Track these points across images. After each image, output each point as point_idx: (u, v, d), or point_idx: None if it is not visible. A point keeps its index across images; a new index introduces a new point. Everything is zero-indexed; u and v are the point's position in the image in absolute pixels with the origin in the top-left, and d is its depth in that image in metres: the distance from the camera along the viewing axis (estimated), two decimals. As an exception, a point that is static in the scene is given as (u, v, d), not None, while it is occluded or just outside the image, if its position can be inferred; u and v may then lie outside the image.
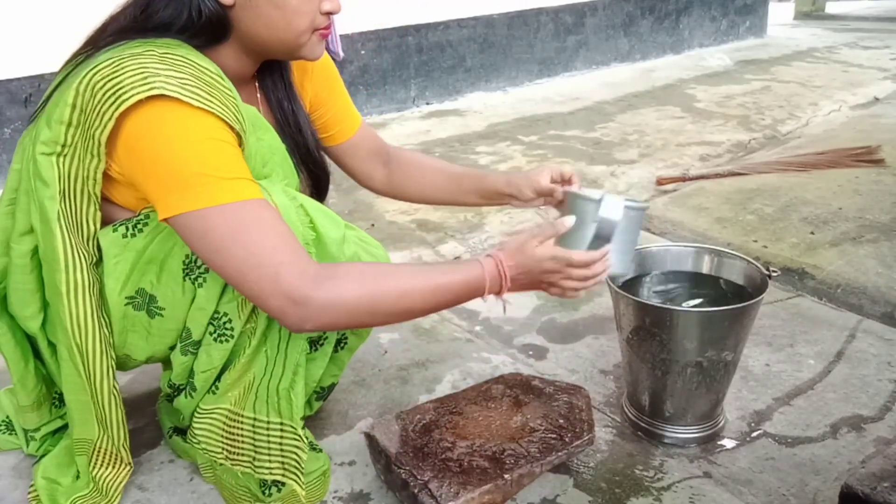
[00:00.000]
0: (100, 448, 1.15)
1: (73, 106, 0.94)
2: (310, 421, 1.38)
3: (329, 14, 1.06)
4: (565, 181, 1.28)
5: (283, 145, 1.15)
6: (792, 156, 2.89)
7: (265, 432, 1.11)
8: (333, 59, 1.33)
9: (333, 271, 0.97)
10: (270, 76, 1.18)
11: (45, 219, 1.00)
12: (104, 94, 0.91)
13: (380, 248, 1.27)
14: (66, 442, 1.24)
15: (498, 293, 1.07)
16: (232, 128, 0.96)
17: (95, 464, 1.16)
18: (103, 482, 1.17)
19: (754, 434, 1.36)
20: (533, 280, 1.09)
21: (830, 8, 7.52)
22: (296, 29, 1.03)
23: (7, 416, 1.33)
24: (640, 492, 1.21)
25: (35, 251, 1.07)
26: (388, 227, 2.37)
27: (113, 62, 0.92)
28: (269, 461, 1.11)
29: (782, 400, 1.45)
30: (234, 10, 1.01)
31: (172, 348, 1.14)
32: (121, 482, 1.19)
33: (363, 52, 3.72)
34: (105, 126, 0.92)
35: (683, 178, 2.74)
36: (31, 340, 1.19)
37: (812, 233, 2.19)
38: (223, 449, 1.13)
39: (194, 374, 1.13)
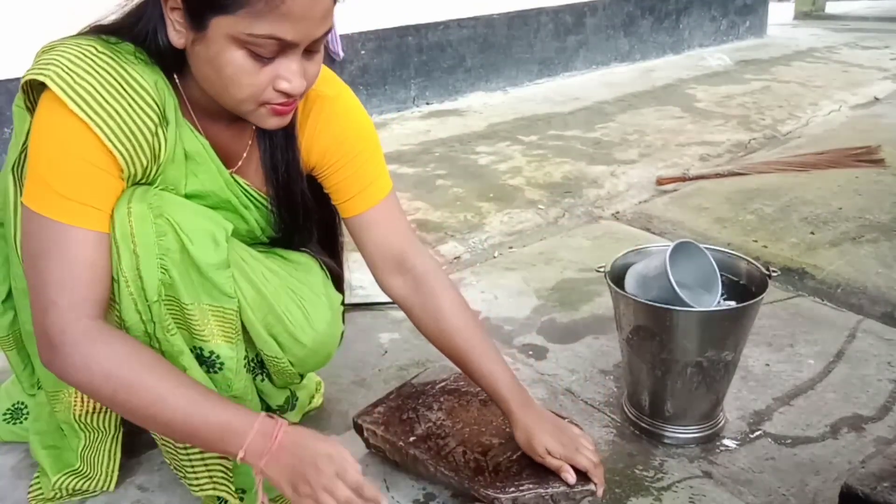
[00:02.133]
0: (74, 391, 1.15)
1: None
2: (310, 421, 1.39)
3: (286, 94, 0.93)
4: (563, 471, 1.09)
5: (228, 192, 1.08)
6: (792, 156, 2.89)
7: (184, 449, 1.08)
8: (333, 58, 1.30)
9: (105, 338, 0.92)
10: None
11: (5, 168, 1.04)
12: (32, 64, 0.94)
13: (320, 302, 1.17)
14: (46, 408, 1.23)
15: (258, 458, 0.92)
16: (108, 148, 0.91)
17: (78, 409, 1.16)
18: (93, 427, 1.18)
19: (754, 434, 1.36)
20: (295, 467, 0.92)
21: (830, 8, 7.52)
22: (233, 96, 0.93)
23: (12, 406, 1.33)
24: (640, 492, 1.21)
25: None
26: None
27: (56, 42, 0.94)
28: (197, 477, 1.09)
29: (782, 400, 1.45)
30: (186, 53, 0.95)
31: None
32: (111, 418, 1.19)
33: (363, 52, 3.72)
34: (21, 96, 0.96)
35: (683, 178, 2.74)
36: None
37: (812, 233, 2.19)
38: (171, 460, 1.12)
39: None
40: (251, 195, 1.12)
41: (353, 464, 0.94)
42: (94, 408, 1.18)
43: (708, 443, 1.33)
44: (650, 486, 1.23)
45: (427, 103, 4.03)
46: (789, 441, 1.33)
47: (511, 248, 2.25)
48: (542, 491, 1.09)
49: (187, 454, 1.08)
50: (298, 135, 1.11)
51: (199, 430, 0.93)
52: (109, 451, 1.22)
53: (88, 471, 1.21)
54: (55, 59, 0.91)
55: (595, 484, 1.09)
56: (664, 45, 5.22)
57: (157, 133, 0.96)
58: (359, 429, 1.26)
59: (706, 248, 1.38)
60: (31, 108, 0.98)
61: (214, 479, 1.10)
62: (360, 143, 1.15)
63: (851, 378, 1.52)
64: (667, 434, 1.33)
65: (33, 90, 0.96)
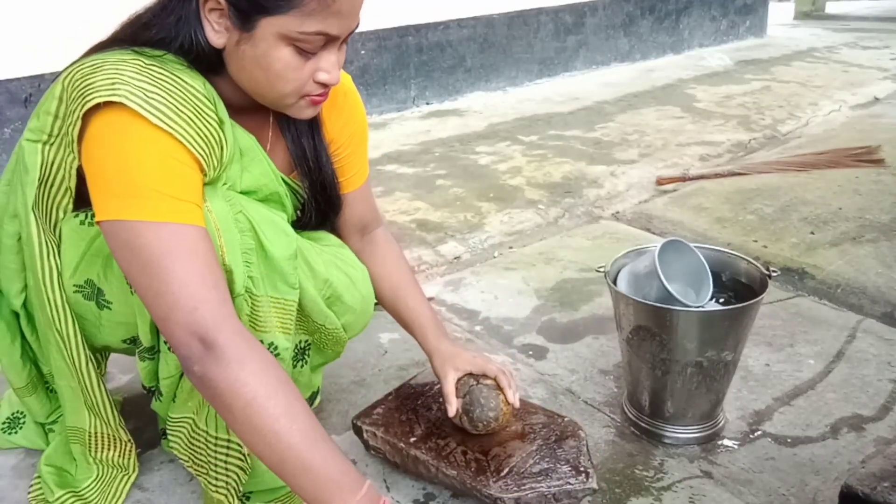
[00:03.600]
0: (94, 433, 1.16)
1: (59, 99, 0.96)
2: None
3: (325, 84, 0.99)
4: (482, 376, 1.20)
5: (277, 183, 1.12)
6: (792, 156, 2.89)
7: (214, 448, 1.09)
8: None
9: (252, 339, 0.92)
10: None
11: (25, 203, 1.03)
12: (77, 92, 0.91)
13: (359, 268, 1.24)
14: (62, 435, 1.25)
15: None
16: (193, 153, 0.93)
17: (93, 448, 1.17)
18: (108, 463, 1.19)
19: (754, 434, 1.36)
20: None
21: (830, 8, 7.52)
22: (279, 91, 0.98)
23: (11, 415, 1.34)
24: (640, 492, 1.21)
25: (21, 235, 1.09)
26: (388, 228, 2.37)
27: (95, 64, 0.92)
28: (217, 479, 1.09)
29: (782, 400, 1.45)
30: (225, 52, 0.97)
31: (128, 343, 1.14)
32: (129, 458, 1.21)
33: (363, 52, 3.72)
34: (75, 124, 0.93)
35: (683, 178, 2.74)
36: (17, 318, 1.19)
37: (812, 233, 2.19)
38: (189, 457, 1.13)
39: (159, 379, 1.13)
40: (287, 183, 1.15)
41: None
42: (112, 446, 1.19)
43: (708, 443, 1.33)
44: (650, 486, 1.23)
45: (427, 103, 4.03)
46: (789, 441, 1.33)
47: (511, 248, 2.25)
48: (544, 490, 1.09)
49: (216, 452, 1.09)
50: (322, 122, 1.16)
51: (316, 470, 0.88)
52: (119, 485, 1.22)
53: (93, 497, 1.20)
54: (117, 79, 0.90)
55: (512, 398, 1.17)
56: (664, 45, 5.22)
57: (221, 133, 0.98)
58: (358, 430, 1.26)
59: (697, 246, 1.38)
60: (48, 138, 0.99)
61: (228, 485, 1.10)
62: (361, 132, 1.25)
63: (851, 378, 1.52)
64: (667, 434, 1.33)
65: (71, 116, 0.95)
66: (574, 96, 4.12)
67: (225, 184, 1.04)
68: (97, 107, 0.89)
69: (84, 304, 1.09)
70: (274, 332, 1.07)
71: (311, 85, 0.98)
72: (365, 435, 1.24)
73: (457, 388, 1.19)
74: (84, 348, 1.10)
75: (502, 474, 1.12)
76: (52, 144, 1.00)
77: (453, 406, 1.17)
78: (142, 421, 1.40)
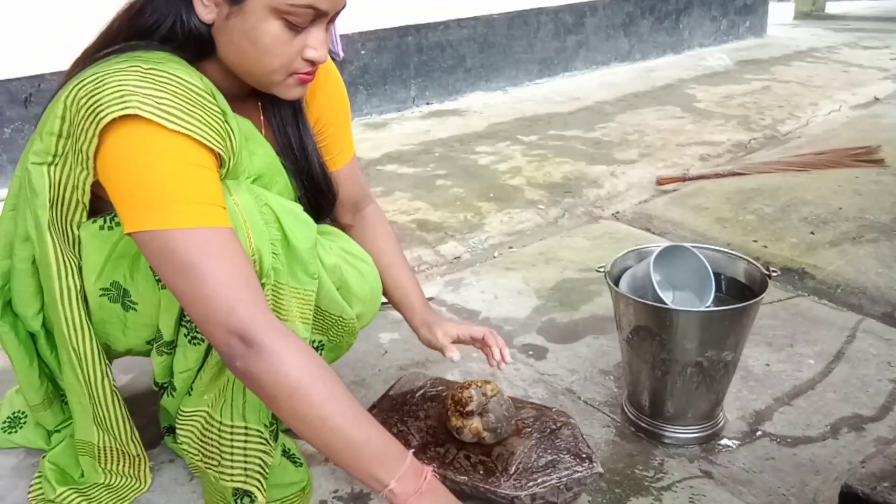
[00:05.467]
0: (103, 447, 1.17)
1: (63, 118, 0.96)
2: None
3: (312, 62, 1.01)
4: (476, 341, 1.29)
5: (279, 161, 1.14)
6: (792, 156, 2.89)
7: (229, 437, 1.09)
8: (333, 59, 1.32)
9: (288, 331, 0.95)
10: (273, 98, 1.12)
11: (38, 225, 1.03)
12: (87, 111, 0.91)
13: (368, 261, 1.26)
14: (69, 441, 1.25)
15: (405, 493, 0.94)
16: (212, 150, 0.95)
17: (103, 460, 1.18)
18: (119, 472, 1.19)
19: (754, 434, 1.36)
20: None
21: (830, 8, 7.52)
22: (266, 66, 0.99)
23: (11, 414, 1.34)
24: (640, 492, 1.21)
25: (34, 257, 1.09)
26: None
27: (97, 78, 0.92)
28: (232, 467, 1.09)
29: (782, 400, 1.45)
30: (214, 29, 0.99)
31: (151, 343, 1.15)
32: (141, 470, 1.21)
33: (363, 52, 3.72)
34: (90, 141, 0.93)
35: (683, 178, 2.74)
36: (34, 339, 1.20)
37: (812, 233, 2.19)
38: (199, 451, 1.13)
39: (174, 374, 1.13)
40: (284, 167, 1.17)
41: None
42: (122, 459, 1.19)
43: (708, 443, 1.33)
44: (650, 486, 1.23)
45: (427, 103, 4.03)
46: (789, 441, 1.33)
47: (511, 248, 2.25)
48: (555, 482, 1.10)
49: (231, 441, 1.09)
50: (305, 105, 1.18)
51: (360, 448, 0.94)
52: (127, 492, 1.22)
53: (99, 495, 1.20)
54: (124, 90, 0.90)
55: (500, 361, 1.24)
56: (664, 45, 5.22)
57: (227, 125, 0.99)
58: None
59: (700, 248, 1.38)
60: (53, 159, 1.00)
61: (248, 473, 1.10)
62: (345, 110, 1.29)
63: (851, 378, 1.52)
64: (667, 434, 1.33)
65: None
66: (574, 96, 4.12)
67: (244, 174, 1.06)
68: (111, 122, 0.90)
69: (109, 308, 1.09)
70: (295, 321, 1.09)
71: (299, 62, 1.00)
72: None
73: (466, 402, 1.18)
74: (101, 364, 1.10)
75: (511, 473, 1.12)
76: (56, 165, 1.00)
77: (453, 352, 1.26)
78: (142, 421, 1.39)
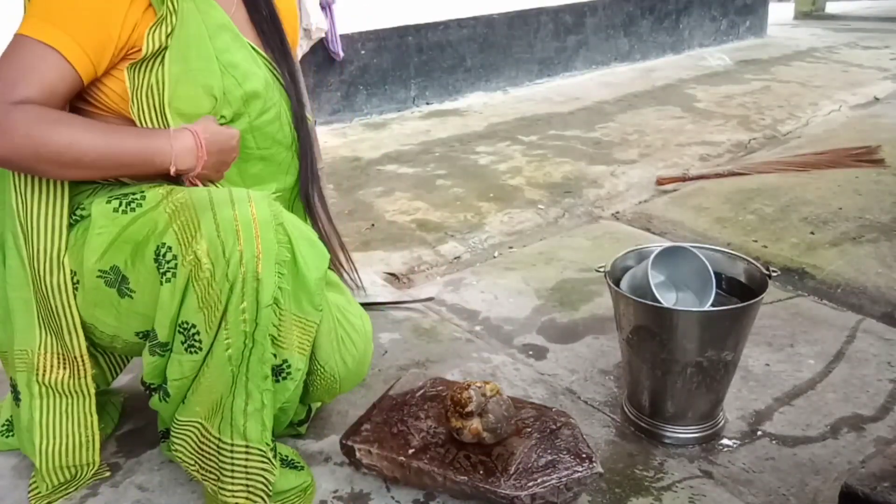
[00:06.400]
0: (44, 352, 1.13)
1: None
2: (310, 421, 1.38)
3: None
4: None
5: (237, 31, 1.19)
6: (792, 156, 2.89)
7: (229, 455, 1.08)
8: (333, 59, 1.35)
9: (29, 108, 1.01)
10: None
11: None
12: None
13: (359, 330, 1.25)
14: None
15: (190, 169, 1.10)
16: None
17: (41, 370, 1.13)
18: (58, 388, 1.14)
19: (754, 434, 1.36)
20: (219, 159, 1.14)
21: (830, 8, 7.52)
22: None
23: (9, 418, 1.33)
24: (640, 492, 1.21)
25: None
26: (388, 227, 2.37)
27: None
28: (233, 485, 1.09)
29: (782, 400, 1.45)
30: None
31: (141, 337, 1.13)
32: (81, 380, 1.16)
33: (363, 52, 3.71)
34: None
35: (683, 178, 2.74)
36: None
37: (812, 233, 2.19)
38: (196, 463, 1.12)
39: (167, 380, 1.12)
40: (250, 44, 1.22)
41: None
42: (63, 366, 1.14)
43: (708, 443, 1.33)
44: (650, 486, 1.23)
45: (427, 103, 4.03)
46: (789, 441, 1.33)
47: (511, 248, 2.25)
48: (555, 482, 1.10)
49: (231, 458, 1.07)
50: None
51: (122, 158, 1.06)
52: (82, 417, 1.18)
53: (51, 442, 1.16)
54: None
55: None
56: (664, 45, 5.22)
57: None
58: (349, 450, 1.22)
59: (700, 249, 1.38)
60: None
61: (251, 491, 1.09)
62: (295, 36, 1.39)
63: (851, 378, 1.52)
64: (667, 434, 1.33)
65: None
66: (574, 96, 4.12)
67: (199, 25, 1.12)
68: None
69: (104, 292, 1.09)
70: (292, 349, 1.08)
71: None
72: (358, 454, 1.21)
73: (466, 402, 1.17)
74: (50, 250, 1.09)
75: (511, 473, 1.12)
76: None
77: None
78: (142, 421, 1.40)
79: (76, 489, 1.22)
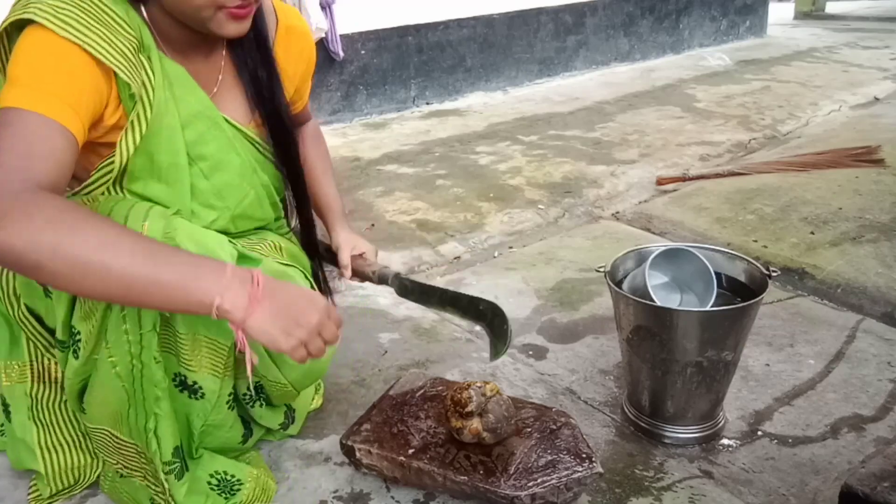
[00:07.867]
0: (29, 363, 1.15)
1: None
2: (310, 421, 1.38)
3: None
4: (357, 256, 1.35)
5: (219, 115, 1.13)
6: (792, 156, 2.89)
7: (147, 459, 1.09)
8: (333, 59, 1.33)
9: (46, 193, 0.85)
10: (242, 45, 1.15)
11: None
12: (5, 19, 0.96)
13: None
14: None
15: (239, 307, 0.87)
16: (104, 65, 0.95)
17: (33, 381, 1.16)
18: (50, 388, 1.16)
19: (754, 434, 1.36)
20: (284, 312, 0.91)
21: (830, 8, 7.52)
22: (192, 2, 0.99)
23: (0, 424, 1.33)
24: (640, 492, 1.21)
25: None
26: (388, 228, 2.37)
27: None
28: (156, 485, 1.10)
29: (782, 400, 1.45)
30: None
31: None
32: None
33: (363, 52, 3.72)
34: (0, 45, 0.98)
35: (683, 178, 2.74)
36: None
37: (812, 233, 2.19)
38: (118, 461, 1.13)
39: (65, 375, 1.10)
40: (233, 125, 1.16)
41: (329, 302, 0.98)
42: (49, 379, 1.16)
43: (708, 443, 1.33)
44: (650, 486, 1.23)
45: (427, 103, 4.03)
46: (789, 441, 1.33)
47: (511, 248, 2.25)
48: (554, 482, 1.10)
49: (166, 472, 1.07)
50: (277, 62, 1.20)
51: (162, 276, 0.83)
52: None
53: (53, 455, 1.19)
54: (31, 1, 0.94)
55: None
56: (664, 45, 5.22)
57: (140, 56, 1.00)
58: (349, 450, 1.22)
59: (700, 249, 1.38)
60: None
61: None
62: (313, 68, 1.33)
63: (851, 378, 1.52)
64: (667, 434, 1.33)
65: (8, 39, 0.98)
66: (574, 96, 4.12)
67: (170, 116, 1.05)
68: (25, 28, 0.93)
69: (35, 286, 1.07)
70: (202, 371, 1.06)
71: None
72: (358, 454, 1.21)
73: (466, 402, 1.17)
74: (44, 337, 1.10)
75: (511, 473, 1.12)
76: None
77: (346, 270, 1.33)
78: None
79: (80, 491, 1.22)
